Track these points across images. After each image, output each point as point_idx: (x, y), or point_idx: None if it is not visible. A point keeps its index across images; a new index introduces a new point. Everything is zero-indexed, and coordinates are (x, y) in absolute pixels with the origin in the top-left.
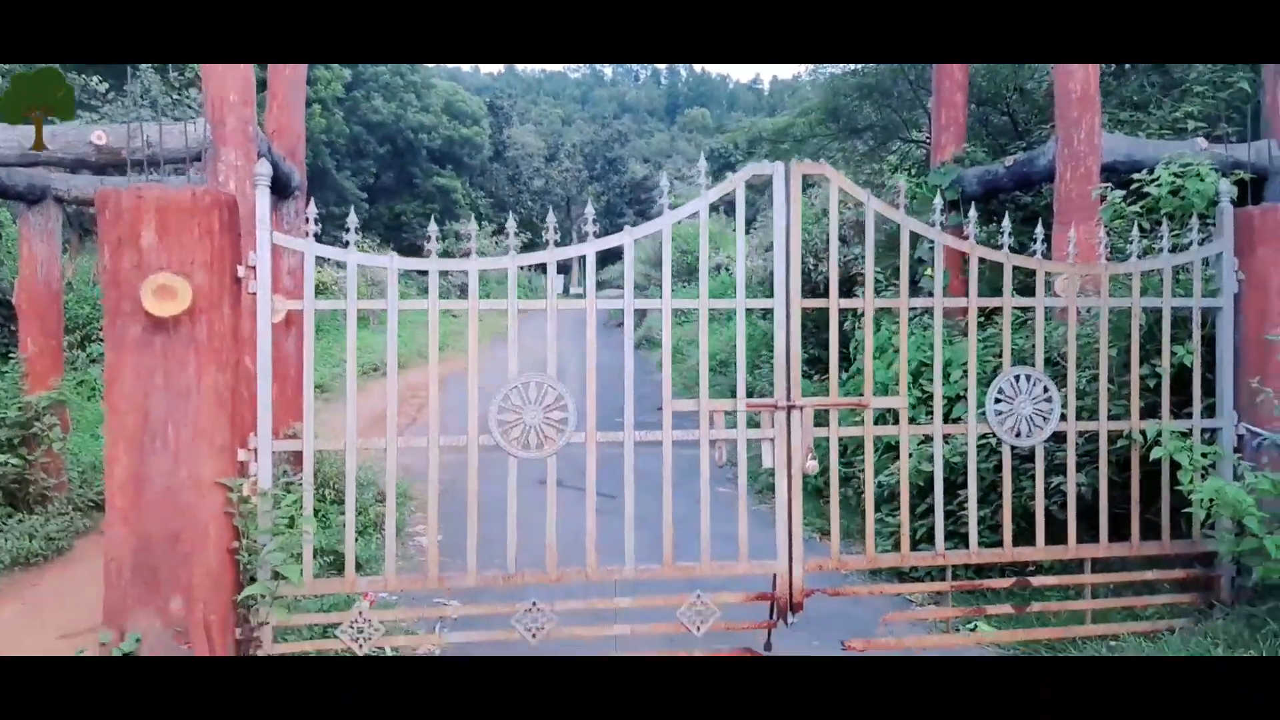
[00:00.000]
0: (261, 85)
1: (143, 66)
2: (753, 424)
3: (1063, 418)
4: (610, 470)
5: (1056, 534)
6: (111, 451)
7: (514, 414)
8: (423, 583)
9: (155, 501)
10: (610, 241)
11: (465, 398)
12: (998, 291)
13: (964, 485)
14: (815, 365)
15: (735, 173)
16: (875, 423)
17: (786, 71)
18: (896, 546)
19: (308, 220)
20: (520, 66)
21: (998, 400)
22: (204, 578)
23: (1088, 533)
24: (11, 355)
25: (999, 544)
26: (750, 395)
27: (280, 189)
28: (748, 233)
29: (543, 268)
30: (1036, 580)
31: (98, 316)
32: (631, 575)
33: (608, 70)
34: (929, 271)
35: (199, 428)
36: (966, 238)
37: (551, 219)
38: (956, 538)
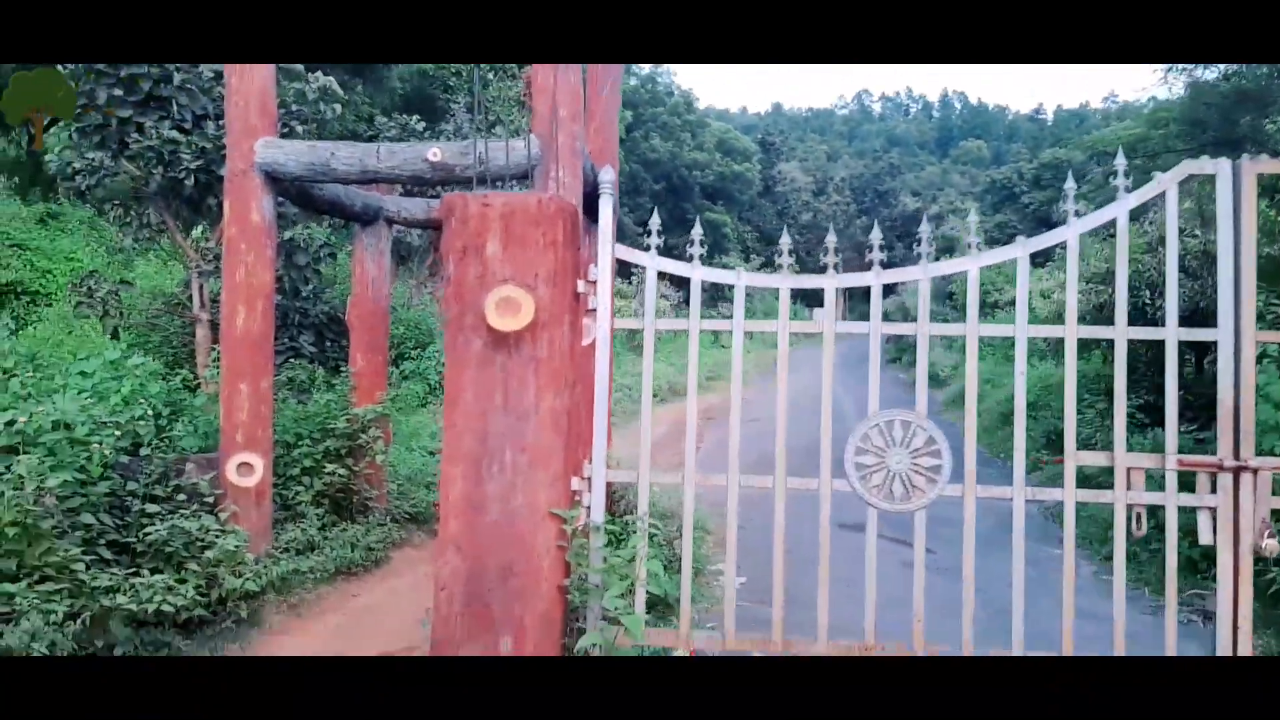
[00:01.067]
0: None
1: (455, 108)
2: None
3: None
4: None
5: None
6: (448, 471)
7: (876, 456)
8: (765, 645)
9: (490, 529)
10: (1002, 254)
11: (748, 431)
12: None
13: None
14: (1148, 412)
15: (1164, 174)
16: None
17: (1072, 99)
18: None
19: (649, 233)
20: (787, 105)
21: None
22: (535, 618)
23: None
24: (342, 369)
25: None
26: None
27: (595, 209)
28: (1043, 265)
29: (806, 299)
30: None
31: (410, 336)
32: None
33: (876, 105)
34: None
35: (537, 453)
36: None
37: (832, 238)
38: None
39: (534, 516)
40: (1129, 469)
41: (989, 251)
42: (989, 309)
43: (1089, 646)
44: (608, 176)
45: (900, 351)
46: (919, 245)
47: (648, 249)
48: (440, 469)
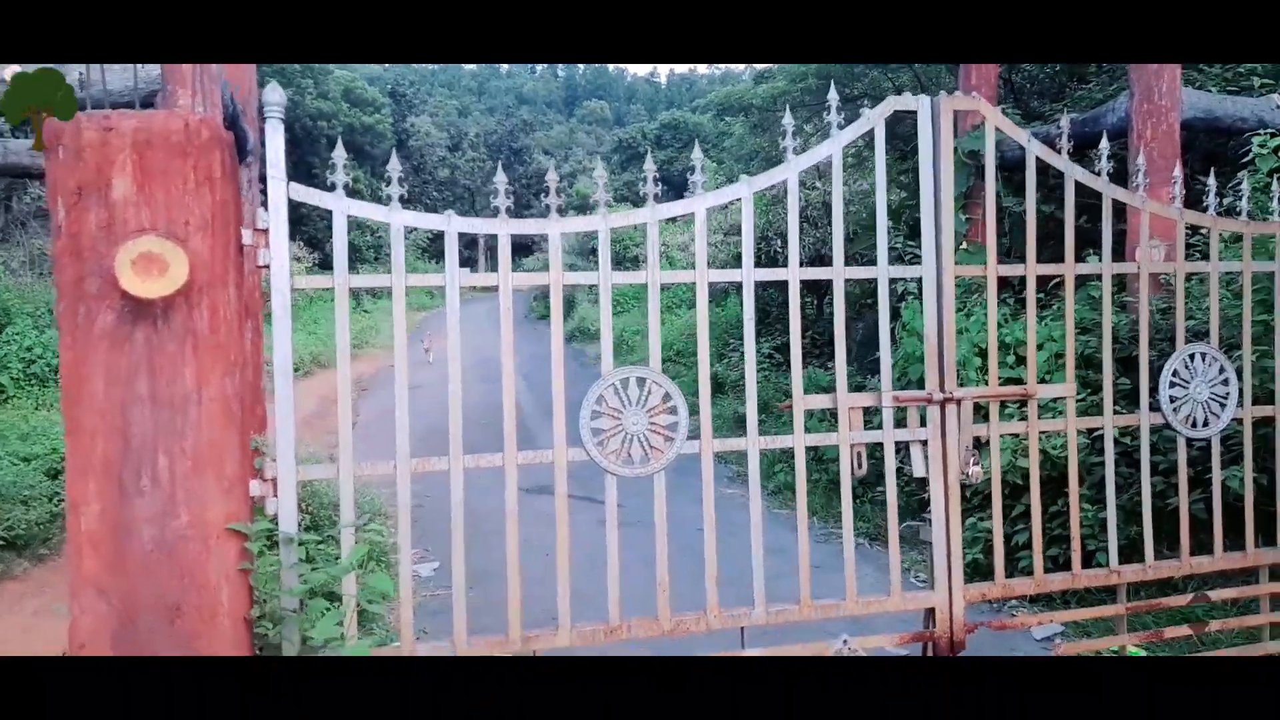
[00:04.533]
0: None
1: None
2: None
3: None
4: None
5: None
6: (77, 489)
7: (612, 419)
8: (503, 646)
9: (144, 560)
10: (729, 193)
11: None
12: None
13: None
14: (781, 352)
15: (871, 110)
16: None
17: (682, 65)
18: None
19: (334, 168)
20: None
21: (1172, 384)
22: None
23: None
24: None
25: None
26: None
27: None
28: (674, 221)
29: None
30: (1215, 594)
31: None
32: (762, 620)
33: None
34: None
35: (203, 453)
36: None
37: (501, 177)
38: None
39: (205, 537)
40: (850, 409)
41: (715, 191)
42: (629, 263)
43: (784, 580)
44: (275, 96)
45: (549, 308)
46: (646, 185)
47: (331, 188)
48: (64, 486)
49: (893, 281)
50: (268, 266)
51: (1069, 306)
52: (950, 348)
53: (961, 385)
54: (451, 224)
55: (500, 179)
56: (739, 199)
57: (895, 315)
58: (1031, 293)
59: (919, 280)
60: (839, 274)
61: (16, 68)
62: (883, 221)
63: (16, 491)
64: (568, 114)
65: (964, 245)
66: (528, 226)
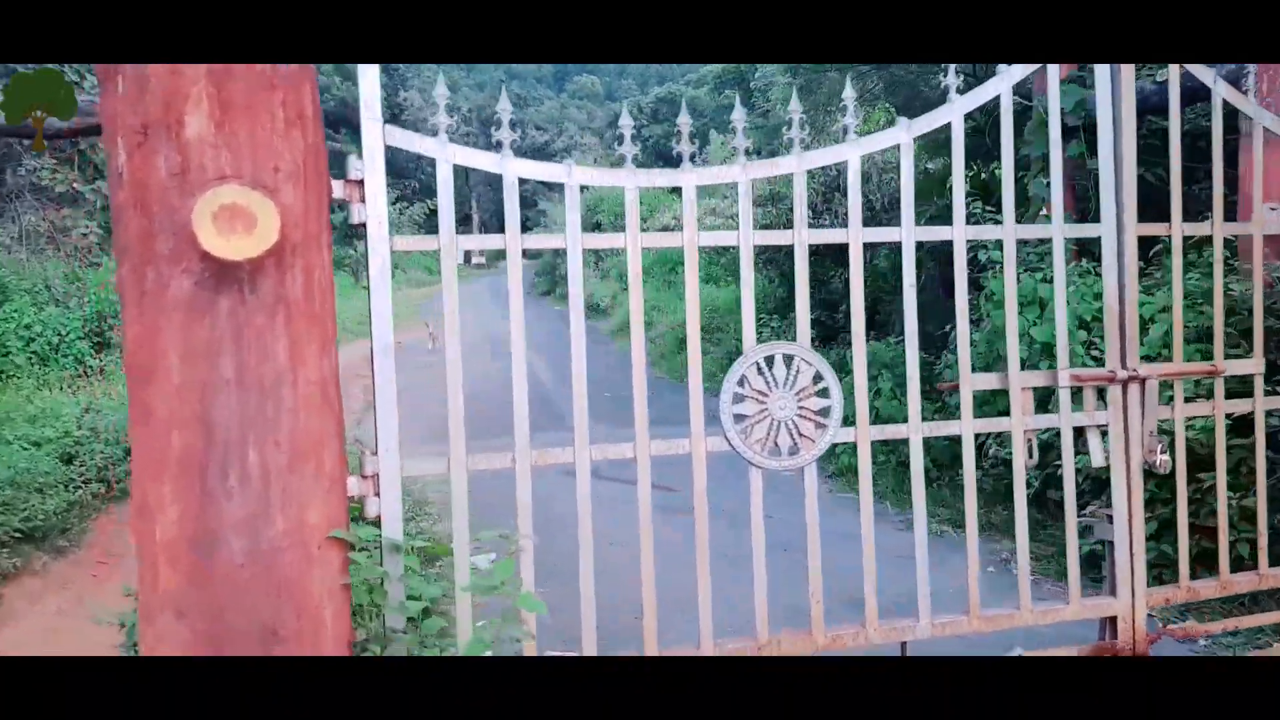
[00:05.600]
0: None
1: None
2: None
3: None
4: (675, 469)
5: None
6: (148, 491)
7: (757, 403)
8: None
9: (233, 576)
10: (887, 138)
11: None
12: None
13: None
14: (816, 326)
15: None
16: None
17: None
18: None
19: (436, 108)
20: None
21: None
22: None
23: None
24: None
25: None
26: None
27: None
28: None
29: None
30: None
31: None
32: (927, 633)
33: None
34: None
35: (298, 446)
36: None
37: (685, 118)
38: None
39: (305, 545)
40: (1021, 389)
41: (869, 136)
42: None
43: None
44: None
45: (553, 284)
46: (787, 129)
47: (434, 132)
48: (131, 487)
49: (971, 249)
50: (363, 224)
51: (1257, 271)
52: (1132, 319)
53: (1038, 368)
54: (572, 175)
55: (625, 121)
56: (896, 144)
57: (976, 287)
58: (1219, 257)
59: (1002, 245)
60: (1009, 233)
61: None
62: (1010, 184)
63: (31, 479)
64: (558, 89)
65: (1043, 211)
66: (656, 178)
